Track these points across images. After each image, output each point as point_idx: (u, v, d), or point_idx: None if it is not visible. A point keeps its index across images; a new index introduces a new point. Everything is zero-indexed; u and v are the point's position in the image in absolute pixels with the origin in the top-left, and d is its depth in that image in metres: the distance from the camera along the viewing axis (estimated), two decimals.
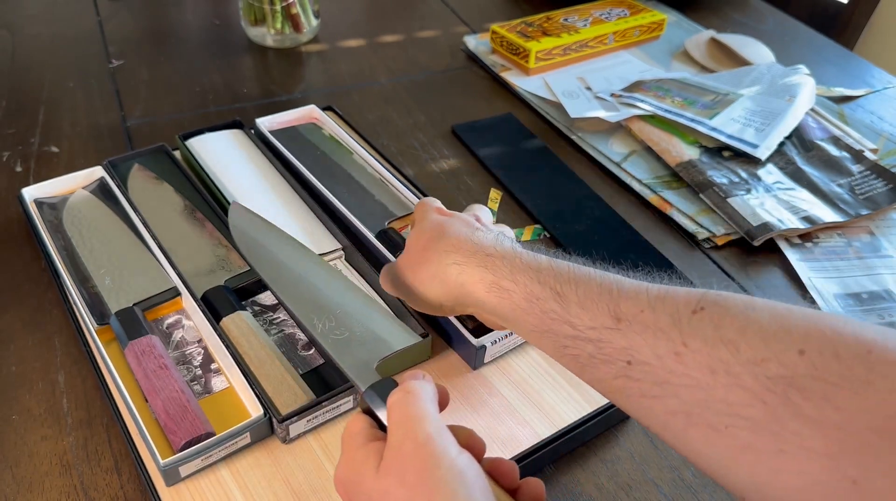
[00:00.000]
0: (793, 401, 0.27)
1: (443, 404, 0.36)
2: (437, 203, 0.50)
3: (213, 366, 0.51)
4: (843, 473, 0.25)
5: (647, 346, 0.32)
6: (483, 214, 0.49)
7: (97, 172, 0.65)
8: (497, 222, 0.68)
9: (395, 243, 0.59)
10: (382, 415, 0.36)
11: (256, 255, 0.51)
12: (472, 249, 0.42)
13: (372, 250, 0.58)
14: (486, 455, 0.36)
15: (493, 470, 0.35)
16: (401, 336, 0.48)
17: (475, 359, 0.52)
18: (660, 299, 0.33)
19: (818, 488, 0.26)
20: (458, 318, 0.52)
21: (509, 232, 0.49)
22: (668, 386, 0.31)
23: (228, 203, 0.63)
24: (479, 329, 0.52)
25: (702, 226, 0.69)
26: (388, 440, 0.33)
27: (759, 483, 0.28)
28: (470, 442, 0.36)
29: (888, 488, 0.25)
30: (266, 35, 0.94)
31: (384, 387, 0.37)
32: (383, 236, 0.59)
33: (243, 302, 0.56)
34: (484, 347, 0.51)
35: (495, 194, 0.67)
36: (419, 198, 0.65)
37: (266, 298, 0.57)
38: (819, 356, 0.27)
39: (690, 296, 0.32)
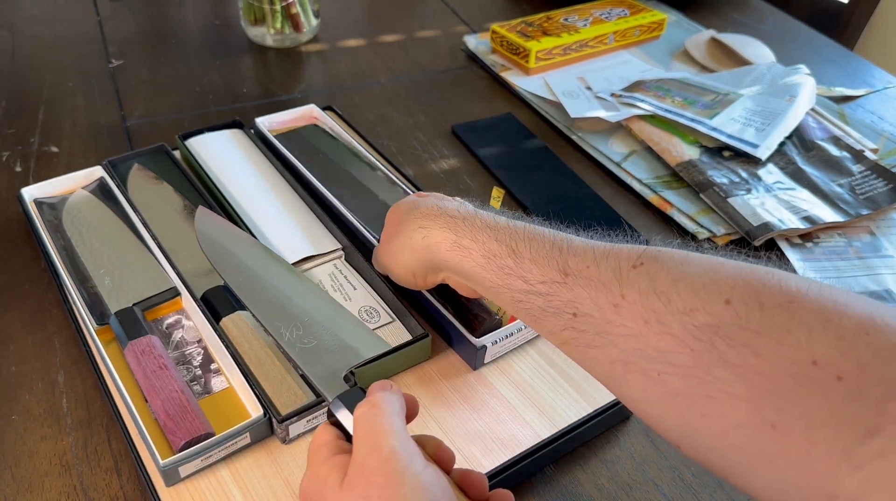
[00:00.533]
0: (717, 348, 0.28)
1: (411, 415, 0.36)
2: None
3: (212, 366, 0.51)
4: (762, 416, 0.27)
5: (589, 298, 0.34)
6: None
7: (97, 171, 0.65)
8: None
9: None
10: (349, 426, 0.35)
11: (223, 260, 0.51)
12: (436, 213, 0.45)
13: (372, 250, 0.58)
14: (457, 466, 0.37)
15: (462, 482, 0.35)
16: (371, 345, 0.47)
17: (475, 359, 0.52)
18: (604, 256, 0.35)
19: (741, 431, 0.27)
20: (458, 319, 0.52)
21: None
22: (608, 336, 0.33)
23: (229, 203, 0.63)
24: (480, 329, 0.52)
25: (702, 226, 0.69)
26: (353, 454, 0.33)
27: (690, 428, 0.29)
28: (438, 453, 0.36)
29: (802, 430, 0.26)
30: (266, 35, 0.94)
31: (352, 398, 0.36)
32: None
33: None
34: (484, 347, 0.51)
35: (497, 193, 0.67)
36: None
37: None
38: (744, 305, 0.28)
39: (633, 252, 0.34)
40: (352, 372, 0.46)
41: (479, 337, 0.51)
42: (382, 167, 0.67)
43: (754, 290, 0.28)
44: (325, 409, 0.43)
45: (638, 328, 0.31)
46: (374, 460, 0.31)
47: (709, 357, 0.28)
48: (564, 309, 0.35)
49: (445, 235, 0.43)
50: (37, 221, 0.60)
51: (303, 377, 0.48)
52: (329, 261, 0.59)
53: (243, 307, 0.54)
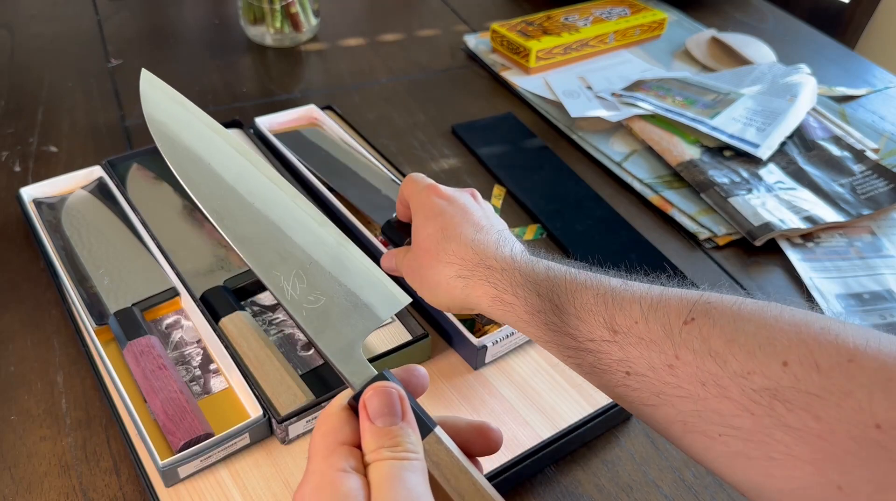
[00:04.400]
0: (777, 412, 0.28)
1: (419, 393, 0.34)
2: (428, 181, 0.48)
3: (211, 366, 0.51)
4: (828, 478, 0.26)
5: (642, 358, 0.33)
6: (477, 195, 0.48)
7: (96, 171, 0.65)
8: None
9: (401, 238, 0.58)
10: None
11: (185, 165, 0.38)
12: (474, 260, 0.42)
13: (372, 250, 0.58)
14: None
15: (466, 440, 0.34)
16: (386, 299, 0.37)
17: (476, 359, 0.51)
18: (653, 310, 0.33)
19: (807, 491, 0.27)
20: (458, 318, 0.52)
21: (506, 231, 0.46)
22: (664, 396, 0.32)
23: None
24: (480, 330, 0.52)
25: (703, 226, 0.69)
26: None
27: (755, 485, 0.29)
28: (408, 379, 0.34)
29: (871, 492, 0.25)
30: (265, 34, 0.93)
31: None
32: (389, 226, 0.59)
33: (242, 302, 0.55)
34: (485, 347, 0.50)
35: (498, 191, 0.67)
36: None
37: (265, 298, 0.56)
38: (800, 367, 0.28)
39: (682, 305, 0.33)
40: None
41: (479, 337, 0.51)
42: (382, 167, 0.67)
43: (810, 350, 0.28)
44: (346, 392, 0.34)
45: (695, 391, 0.30)
46: None
47: (769, 421, 0.28)
48: (616, 368, 0.34)
49: (485, 289, 0.40)
50: (36, 221, 0.60)
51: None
52: None
53: (242, 308, 0.53)
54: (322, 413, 0.32)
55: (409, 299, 0.38)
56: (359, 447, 0.30)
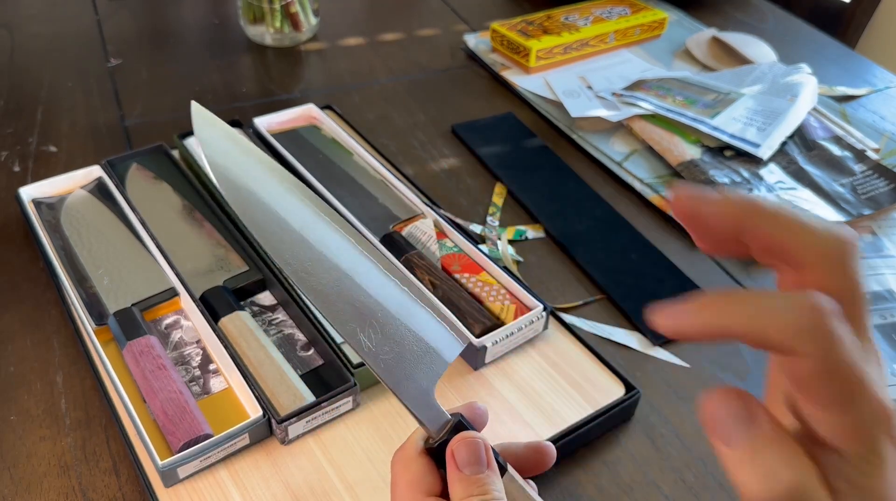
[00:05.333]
0: None
1: (480, 428, 0.35)
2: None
3: (211, 367, 0.50)
4: None
5: None
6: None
7: (95, 171, 0.65)
8: (499, 220, 0.68)
9: (400, 248, 0.58)
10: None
11: (253, 215, 0.35)
12: None
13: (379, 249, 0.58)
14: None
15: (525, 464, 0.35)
16: (449, 341, 0.37)
17: (476, 360, 0.51)
18: None
19: None
20: (460, 318, 0.52)
21: None
22: None
23: (228, 203, 0.62)
24: (481, 330, 0.52)
25: None
26: None
27: None
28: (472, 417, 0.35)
29: None
30: (265, 34, 0.93)
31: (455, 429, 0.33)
32: (388, 239, 0.59)
33: (242, 302, 0.55)
34: (485, 347, 0.50)
35: (500, 189, 0.67)
36: (423, 200, 0.64)
37: (265, 298, 0.56)
38: None
39: None
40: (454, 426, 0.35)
41: (479, 337, 0.51)
42: (383, 168, 0.67)
43: None
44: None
45: None
46: None
47: None
48: None
49: None
50: (35, 221, 0.60)
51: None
52: None
53: (241, 308, 0.53)
54: (400, 458, 0.33)
55: (468, 342, 0.36)
56: (442, 495, 0.32)
